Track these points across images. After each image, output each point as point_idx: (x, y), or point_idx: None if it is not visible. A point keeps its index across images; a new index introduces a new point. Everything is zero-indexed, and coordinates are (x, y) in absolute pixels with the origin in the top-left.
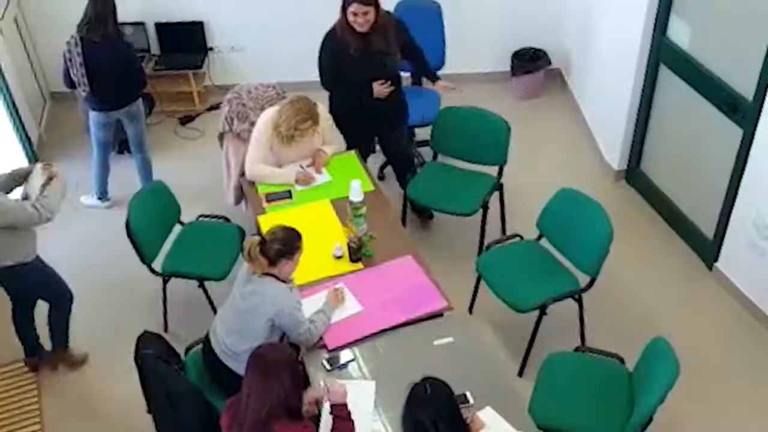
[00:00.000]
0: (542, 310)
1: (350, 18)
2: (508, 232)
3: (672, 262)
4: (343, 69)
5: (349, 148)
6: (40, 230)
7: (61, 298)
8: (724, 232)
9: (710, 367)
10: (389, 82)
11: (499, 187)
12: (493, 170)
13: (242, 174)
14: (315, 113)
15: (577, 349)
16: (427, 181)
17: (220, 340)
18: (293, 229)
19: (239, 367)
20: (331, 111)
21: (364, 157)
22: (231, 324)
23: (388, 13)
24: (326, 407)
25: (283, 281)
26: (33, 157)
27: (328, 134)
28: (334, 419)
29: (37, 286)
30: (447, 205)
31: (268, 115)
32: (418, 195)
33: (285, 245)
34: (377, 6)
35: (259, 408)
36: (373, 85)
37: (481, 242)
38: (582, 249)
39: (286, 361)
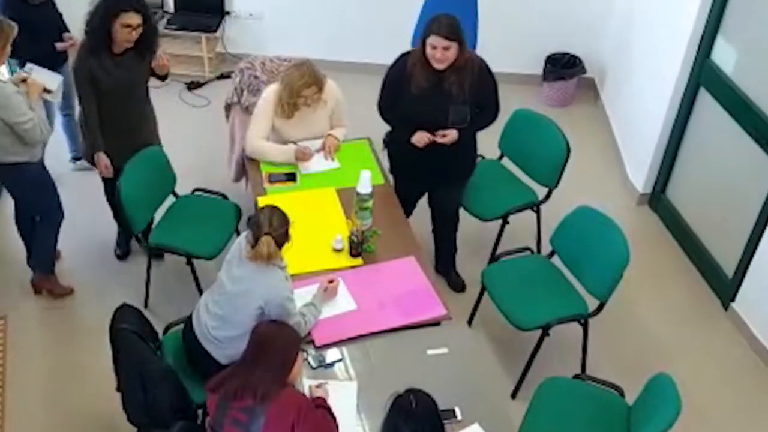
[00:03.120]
0: (545, 330)
1: (428, 50)
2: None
3: (686, 297)
4: (400, 102)
5: (397, 191)
6: None
7: (52, 212)
8: (745, 272)
9: (714, 410)
10: (447, 134)
11: (537, 209)
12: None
13: None
14: (320, 80)
15: (576, 377)
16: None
17: (203, 323)
18: (275, 207)
19: (219, 353)
20: (387, 142)
21: (406, 210)
22: (216, 308)
23: (480, 62)
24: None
25: (275, 265)
26: None
27: (337, 115)
28: (318, 409)
29: (34, 189)
30: (469, 204)
31: (273, 88)
32: None
33: (286, 225)
34: (461, 43)
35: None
36: (417, 134)
37: (493, 254)
38: (595, 272)
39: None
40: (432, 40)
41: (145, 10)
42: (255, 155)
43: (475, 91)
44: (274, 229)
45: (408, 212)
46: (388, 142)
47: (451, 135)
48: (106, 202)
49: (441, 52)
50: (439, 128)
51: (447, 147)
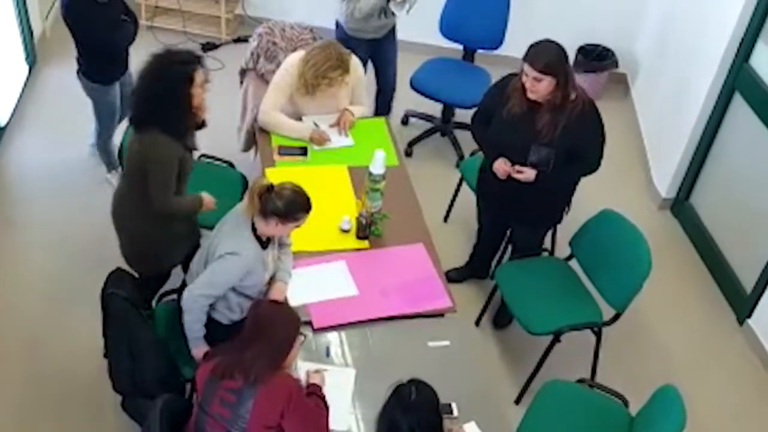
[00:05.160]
0: (556, 336)
1: (522, 76)
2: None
3: (702, 309)
4: (492, 123)
5: (478, 219)
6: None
7: None
8: (764, 288)
9: (718, 427)
10: (524, 171)
11: None
12: None
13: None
14: (346, 62)
15: (579, 381)
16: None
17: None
18: (305, 196)
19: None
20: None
21: (492, 246)
22: (200, 268)
23: (586, 107)
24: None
25: (261, 240)
26: (31, 51)
27: (357, 93)
28: (309, 396)
29: None
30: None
31: (295, 58)
32: (470, 173)
33: (284, 208)
34: (561, 80)
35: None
36: (498, 161)
37: (505, 250)
38: (614, 280)
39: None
40: (525, 67)
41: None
42: (267, 127)
43: (569, 136)
44: (278, 195)
45: (486, 246)
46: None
47: (526, 174)
48: None
49: (531, 82)
50: (519, 163)
51: (525, 186)
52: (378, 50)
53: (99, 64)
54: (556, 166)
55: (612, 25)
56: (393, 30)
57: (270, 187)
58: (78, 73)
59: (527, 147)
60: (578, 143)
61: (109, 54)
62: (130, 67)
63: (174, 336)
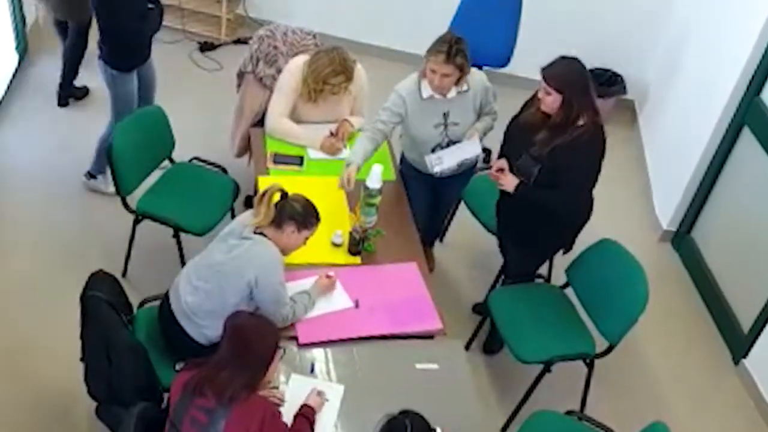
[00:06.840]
0: (547, 366)
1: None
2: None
3: (697, 346)
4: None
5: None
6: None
7: None
8: (762, 328)
9: None
10: (507, 176)
11: None
12: None
13: (254, 124)
14: (350, 69)
15: (568, 413)
16: (488, 188)
17: (181, 296)
18: (316, 209)
19: (195, 331)
20: None
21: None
22: (199, 281)
23: (587, 137)
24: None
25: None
26: (22, 40)
27: (359, 103)
28: (297, 417)
29: None
30: (482, 214)
31: (298, 63)
32: (472, 196)
33: (303, 212)
34: (567, 99)
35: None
36: (499, 159)
37: (498, 276)
38: (609, 311)
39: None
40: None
41: None
42: (276, 134)
43: (556, 158)
44: (294, 200)
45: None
46: None
47: (506, 178)
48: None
49: (541, 92)
50: (510, 167)
51: (509, 196)
52: (436, 190)
53: (121, 50)
54: (536, 183)
55: (623, 51)
56: (455, 178)
57: (285, 194)
58: (99, 59)
59: (519, 154)
60: (559, 171)
61: (133, 42)
62: (151, 57)
63: (154, 342)
